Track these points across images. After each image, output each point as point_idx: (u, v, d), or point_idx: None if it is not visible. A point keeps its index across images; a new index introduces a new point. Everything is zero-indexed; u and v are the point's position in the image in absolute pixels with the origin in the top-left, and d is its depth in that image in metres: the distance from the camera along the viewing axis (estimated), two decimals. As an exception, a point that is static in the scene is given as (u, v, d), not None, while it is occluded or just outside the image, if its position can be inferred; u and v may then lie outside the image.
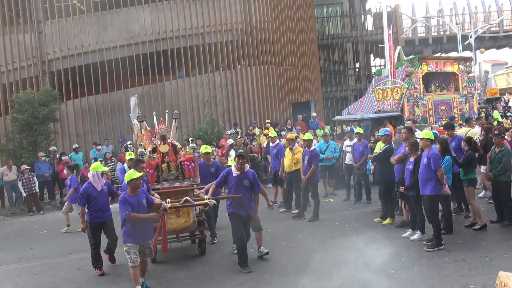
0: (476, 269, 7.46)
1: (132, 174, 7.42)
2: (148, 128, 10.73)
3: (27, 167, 16.33)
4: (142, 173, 7.78)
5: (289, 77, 25.87)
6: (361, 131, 13.67)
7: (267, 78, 24.41)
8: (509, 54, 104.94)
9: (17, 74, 21.47)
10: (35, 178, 16.49)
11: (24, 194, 16.31)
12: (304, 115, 23.73)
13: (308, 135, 12.72)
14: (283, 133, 19.38)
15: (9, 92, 20.88)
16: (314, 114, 24.14)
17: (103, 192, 9.09)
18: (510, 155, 9.73)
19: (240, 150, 8.22)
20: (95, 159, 18.76)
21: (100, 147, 19.64)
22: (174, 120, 10.80)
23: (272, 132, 14.76)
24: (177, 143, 10.34)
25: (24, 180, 16.16)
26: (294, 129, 20.58)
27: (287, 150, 12.76)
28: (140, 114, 10.61)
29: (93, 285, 8.33)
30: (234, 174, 8.36)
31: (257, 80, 24.04)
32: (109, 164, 18.02)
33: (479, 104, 29.31)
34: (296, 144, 13.14)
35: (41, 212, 16.37)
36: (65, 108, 21.30)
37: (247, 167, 8.48)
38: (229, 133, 19.29)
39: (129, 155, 11.99)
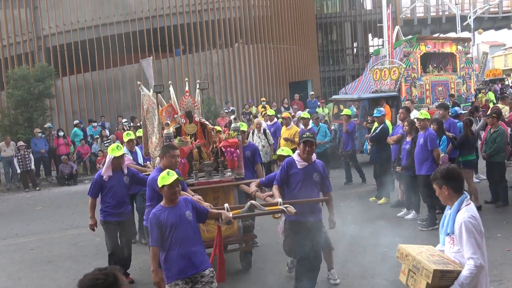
0: (470, 249, 7.51)
1: (165, 177, 4.94)
2: (170, 102, 8.05)
3: (23, 144, 16.28)
4: (179, 176, 5.13)
5: (287, 56, 25.75)
6: (349, 112, 13.36)
7: (264, 57, 24.30)
8: (507, 36, 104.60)
9: (12, 49, 21.27)
10: (31, 155, 16.45)
11: (18, 171, 16.29)
12: (301, 94, 23.67)
13: (306, 113, 12.67)
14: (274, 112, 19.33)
15: (5, 67, 20.70)
16: (312, 93, 24.09)
17: (122, 183, 7.15)
18: (504, 136, 9.77)
19: (307, 134, 6.22)
20: (92, 136, 18.73)
21: (96, 124, 19.58)
22: (200, 91, 8.58)
23: (270, 111, 14.68)
24: (206, 122, 7.98)
25: (19, 157, 16.13)
26: (291, 108, 20.56)
27: (283, 128, 12.72)
28: (157, 84, 7.79)
29: (89, 260, 8.36)
30: (299, 166, 6.04)
31: (254, 58, 23.92)
32: (105, 142, 17.98)
33: (481, 84, 29.31)
34: (292, 123, 13.10)
35: (37, 188, 16.38)
36: (61, 85, 21.18)
37: (314, 156, 6.23)
38: (226, 111, 19.24)
39: (128, 136, 9.18)
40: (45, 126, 18.30)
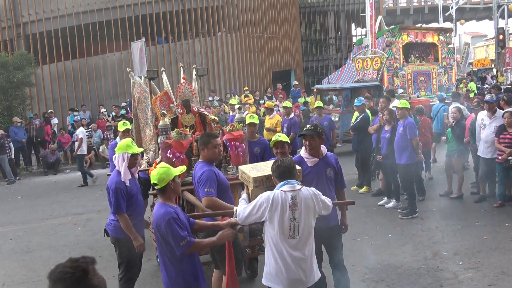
0: (449, 237, 7.63)
1: (170, 169, 4.31)
2: (165, 89, 7.33)
3: (3, 133, 16.04)
4: (182, 167, 4.62)
5: (270, 45, 25.71)
6: (320, 104, 13.16)
7: (247, 46, 24.24)
8: (489, 27, 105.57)
9: (-9, 36, 20.90)
10: (11, 144, 16.21)
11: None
12: (284, 83, 23.67)
13: (287, 103, 12.69)
14: (261, 101, 19.33)
15: (-17, 55, 20.32)
16: (296, 82, 24.10)
17: (138, 186, 5.82)
18: None
19: (308, 126, 5.36)
20: (73, 125, 18.50)
21: (77, 113, 19.36)
22: (198, 78, 7.75)
23: (232, 100, 14.57)
24: (205, 112, 7.16)
25: (-1, 146, 15.89)
26: (274, 97, 20.55)
27: (266, 117, 12.71)
28: (150, 69, 7.13)
29: (69, 250, 8.30)
30: (309, 164, 5.20)
31: (237, 47, 23.85)
32: (86, 131, 17.77)
33: (466, 74, 29.50)
34: (275, 112, 13.11)
35: (17, 177, 16.17)
36: (40, 73, 20.87)
37: (325, 149, 5.34)
38: (210, 99, 19.15)
39: (124, 125, 8.31)
40: (28, 117, 18.03)
